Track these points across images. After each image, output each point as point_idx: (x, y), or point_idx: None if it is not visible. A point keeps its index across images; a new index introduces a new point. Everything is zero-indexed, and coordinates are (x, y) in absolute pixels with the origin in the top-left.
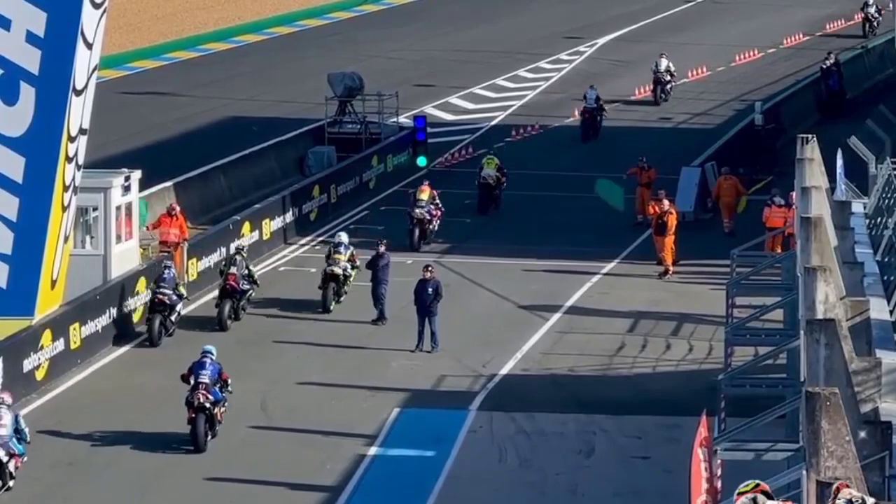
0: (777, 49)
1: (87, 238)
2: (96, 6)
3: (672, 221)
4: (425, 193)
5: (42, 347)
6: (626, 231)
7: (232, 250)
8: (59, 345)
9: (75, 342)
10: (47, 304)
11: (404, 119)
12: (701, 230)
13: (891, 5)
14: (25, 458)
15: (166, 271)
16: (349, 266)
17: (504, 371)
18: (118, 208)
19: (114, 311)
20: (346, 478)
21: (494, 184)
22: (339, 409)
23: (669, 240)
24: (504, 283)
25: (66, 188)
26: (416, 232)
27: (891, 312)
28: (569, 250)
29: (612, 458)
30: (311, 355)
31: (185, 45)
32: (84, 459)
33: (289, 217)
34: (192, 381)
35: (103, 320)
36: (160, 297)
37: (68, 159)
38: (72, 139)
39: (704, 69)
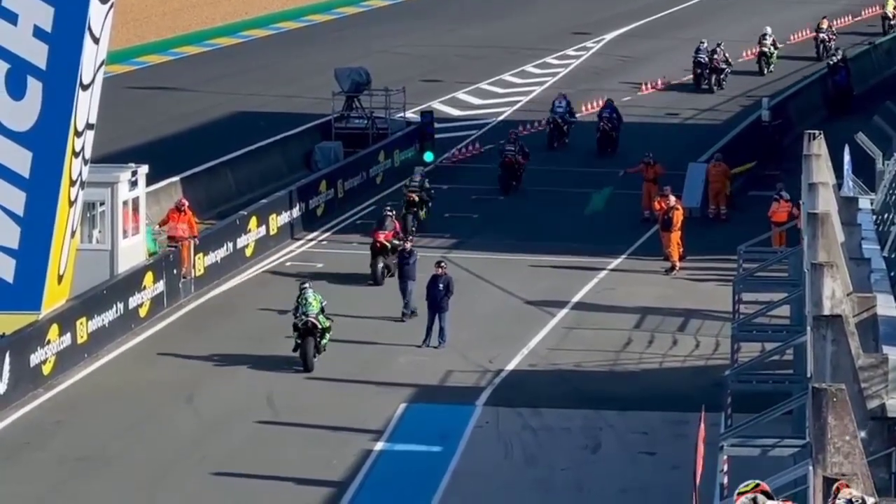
0: (784, 45)
1: (94, 233)
2: (103, 1)
3: (678, 217)
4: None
5: (49, 342)
6: (632, 227)
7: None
8: (66, 339)
9: (82, 337)
10: (54, 298)
11: (411, 114)
12: (707, 226)
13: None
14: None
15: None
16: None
17: (510, 367)
18: (125, 203)
19: (121, 305)
20: (353, 473)
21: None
22: (345, 405)
23: (675, 236)
24: (511, 279)
25: (73, 183)
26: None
27: None
28: (575, 246)
29: (619, 454)
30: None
31: (193, 40)
32: (91, 455)
33: (295, 212)
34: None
35: (110, 315)
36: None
37: (75, 154)
38: (79, 134)
39: None
